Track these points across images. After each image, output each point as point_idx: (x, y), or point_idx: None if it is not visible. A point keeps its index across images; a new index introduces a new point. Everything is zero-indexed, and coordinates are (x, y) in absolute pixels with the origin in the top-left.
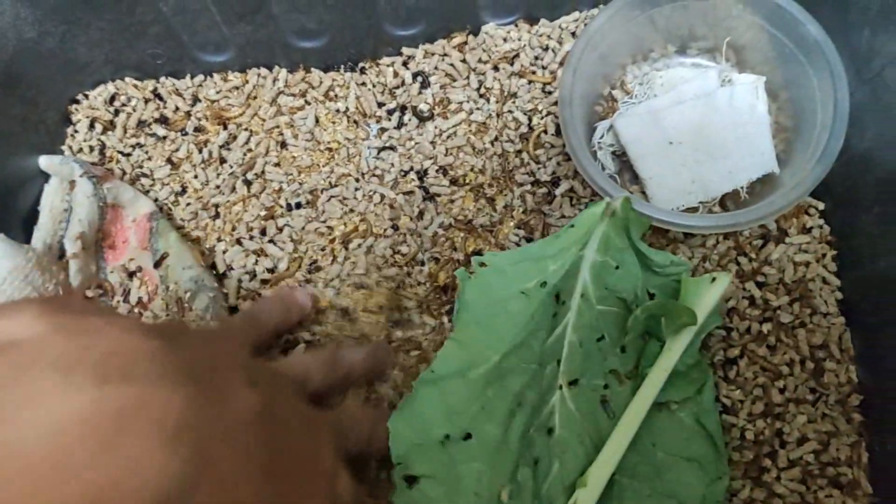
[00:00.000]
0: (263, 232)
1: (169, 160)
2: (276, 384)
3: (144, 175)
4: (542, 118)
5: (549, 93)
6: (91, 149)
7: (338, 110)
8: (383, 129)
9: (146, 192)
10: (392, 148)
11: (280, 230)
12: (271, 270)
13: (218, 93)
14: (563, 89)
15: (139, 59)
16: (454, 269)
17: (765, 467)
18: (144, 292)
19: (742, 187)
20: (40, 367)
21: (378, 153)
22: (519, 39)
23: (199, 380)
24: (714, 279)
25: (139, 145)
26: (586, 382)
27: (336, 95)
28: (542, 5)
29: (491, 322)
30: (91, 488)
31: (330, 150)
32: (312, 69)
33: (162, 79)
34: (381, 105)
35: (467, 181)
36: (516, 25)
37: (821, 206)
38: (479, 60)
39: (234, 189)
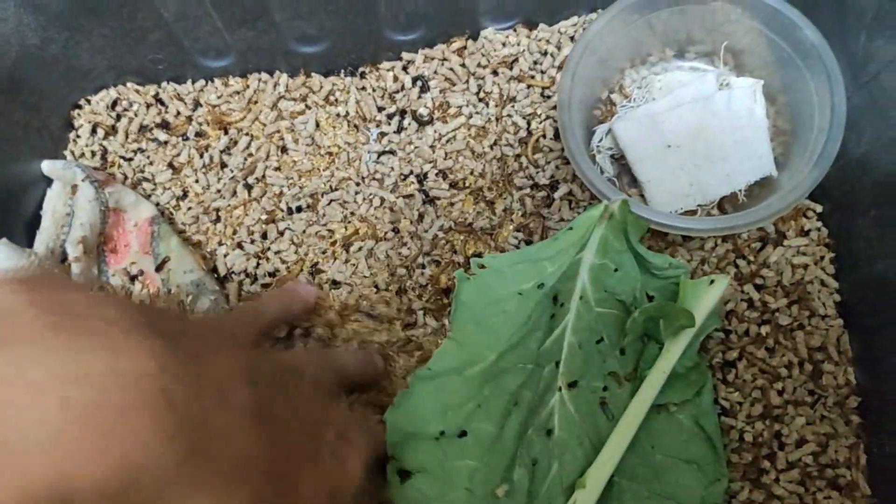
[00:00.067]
0: (264, 235)
1: (170, 165)
2: (278, 381)
3: (146, 179)
4: (540, 122)
5: (548, 97)
6: (93, 153)
7: (338, 115)
8: (383, 134)
9: (148, 197)
10: (392, 152)
11: (281, 234)
12: (272, 274)
13: (219, 98)
14: (562, 93)
15: (141, 64)
16: (455, 272)
17: (764, 469)
18: (146, 295)
19: (740, 190)
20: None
21: (378, 157)
22: (518, 44)
23: (197, 376)
24: (712, 281)
25: (141, 150)
26: (585, 384)
27: (336, 100)
28: (540, 10)
29: (488, 322)
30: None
31: (330, 154)
32: (313, 74)
33: (163, 84)
34: (381, 109)
35: (467, 185)
36: (515, 30)
37: (819, 208)
38: (479, 65)
39: (234, 193)
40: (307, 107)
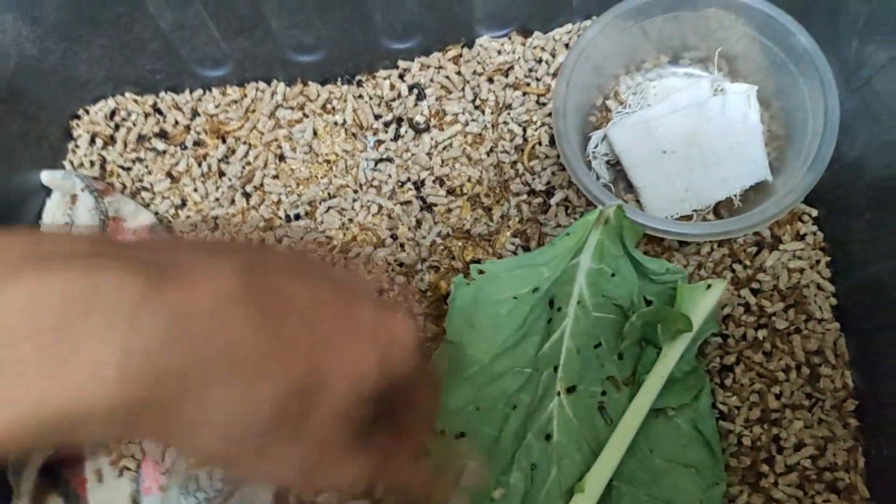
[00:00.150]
0: (263, 243)
1: (169, 174)
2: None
3: (145, 189)
4: (536, 129)
5: (544, 104)
6: (92, 163)
7: (335, 123)
8: (380, 141)
9: (147, 206)
10: (389, 159)
11: (279, 241)
12: None
13: (217, 107)
14: (557, 100)
15: (139, 74)
16: (454, 278)
17: (762, 473)
18: None
19: (735, 195)
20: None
21: (375, 165)
22: (513, 52)
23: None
24: (709, 286)
25: (139, 159)
26: (584, 389)
27: (334, 108)
28: (535, 18)
29: (482, 325)
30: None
31: (328, 161)
32: (310, 82)
33: (161, 94)
34: (377, 117)
35: (464, 191)
36: (510, 38)
37: (814, 212)
38: (474, 73)
39: (233, 201)
40: (305, 115)
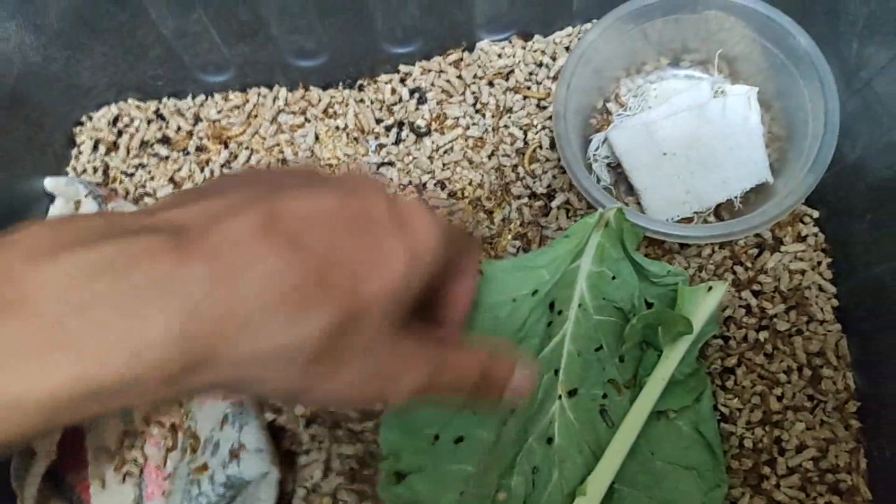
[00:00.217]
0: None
1: (171, 179)
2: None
3: (148, 194)
4: (536, 133)
5: (544, 107)
6: (95, 169)
7: (337, 127)
8: (382, 145)
9: None
10: (391, 163)
11: None
12: None
13: (219, 112)
14: (557, 103)
15: (141, 80)
16: None
17: (764, 475)
18: None
19: (736, 197)
20: None
21: (377, 168)
22: (513, 55)
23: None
24: (710, 288)
25: (142, 165)
26: (585, 392)
27: (335, 113)
28: (535, 21)
29: (479, 327)
30: None
31: (330, 166)
32: (312, 87)
33: (164, 99)
34: (379, 121)
35: (465, 194)
36: (510, 42)
37: (815, 214)
38: (475, 76)
39: None
40: (306, 120)
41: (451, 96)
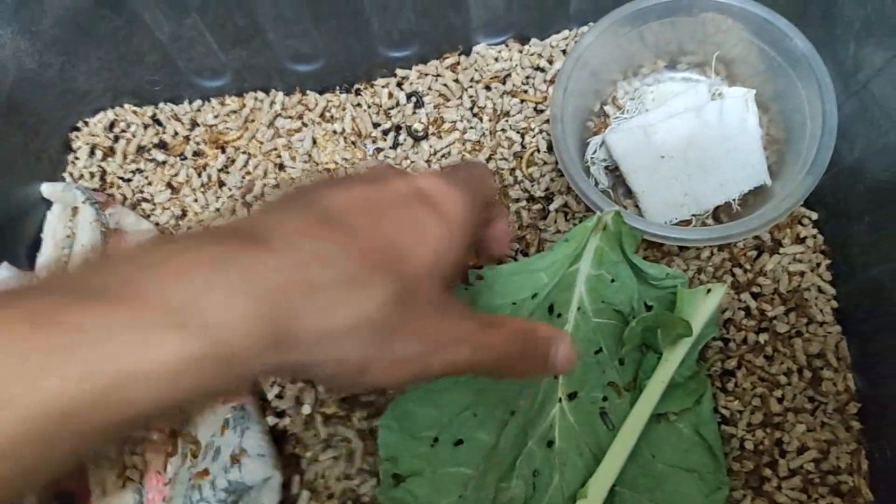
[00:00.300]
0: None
1: (169, 185)
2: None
3: (145, 200)
4: (534, 136)
5: (541, 111)
6: (92, 175)
7: (334, 131)
8: (379, 149)
9: (147, 217)
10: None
11: None
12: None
13: (216, 117)
14: (555, 107)
15: (137, 85)
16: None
17: (765, 477)
18: None
19: (734, 199)
20: None
21: None
22: (510, 59)
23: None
24: (709, 290)
25: (139, 171)
26: (585, 395)
27: (332, 117)
28: (532, 25)
29: None
30: None
31: (328, 170)
32: (308, 92)
33: (160, 104)
34: (376, 125)
35: None
36: (507, 45)
37: (814, 216)
38: (472, 80)
39: (233, 211)
40: (304, 124)
41: (448, 100)
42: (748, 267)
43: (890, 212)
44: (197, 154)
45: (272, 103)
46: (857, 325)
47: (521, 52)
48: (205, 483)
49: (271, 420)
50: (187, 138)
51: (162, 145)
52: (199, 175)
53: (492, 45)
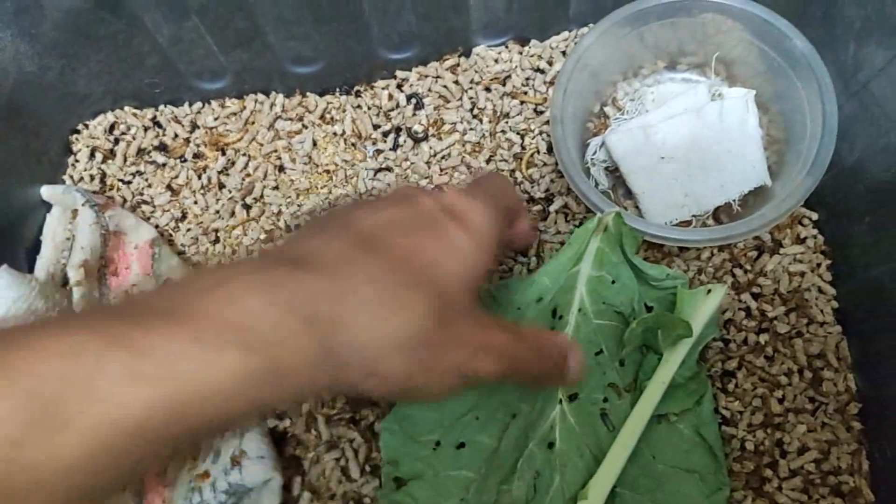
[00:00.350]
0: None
1: (169, 187)
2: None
3: (145, 202)
4: (534, 137)
5: (541, 112)
6: (92, 178)
7: (334, 133)
8: (379, 151)
9: (147, 219)
10: (388, 169)
11: None
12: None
13: (216, 119)
14: (554, 108)
15: (137, 88)
16: None
17: (766, 477)
18: None
19: (734, 200)
20: None
21: (375, 174)
22: (510, 61)
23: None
24: (709, 291)
25: (139, 173)
26: (586, 396)
27: (333, 119)
28: (532, 26)
29: None
30: None
31: (328, 172)
32: (309, 94)
33: (160, 107)
34: (376, 127)
35: None
36: (507, 47)
37: (815, 216)
38: (472, 82)
39: (233, 213)
40: (304, 126)
41: (448, 102)
42: (748, 267)
43: (890, 212)
44: (197, 156)
45: (272, 105)
46: (858, 326)
47: (520, 53)
48: (205, 485)
49: (271, 422)
50: (187, 140)
51: (162, 147)
52: (200, 177)
53: (492, 47)
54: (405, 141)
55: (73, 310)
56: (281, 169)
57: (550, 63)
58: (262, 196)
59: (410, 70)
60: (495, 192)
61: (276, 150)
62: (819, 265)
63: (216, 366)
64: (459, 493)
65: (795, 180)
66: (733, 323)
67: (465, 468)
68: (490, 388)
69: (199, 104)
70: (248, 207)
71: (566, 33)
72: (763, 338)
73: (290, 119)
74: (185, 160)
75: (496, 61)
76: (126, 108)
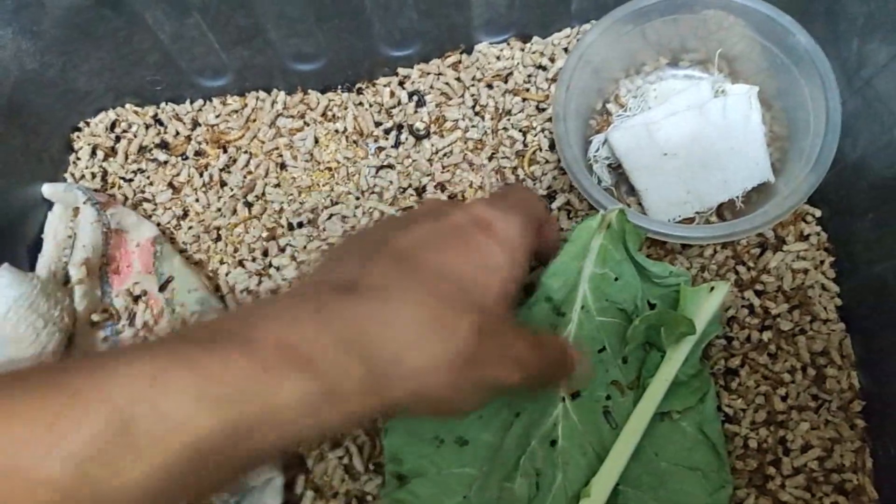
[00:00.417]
0: (265, 253)
1: (170, 184)
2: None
3: (146, 200)
4: (536, 135)
5: (543, 109)
6: (93, 175)
7: (336, 130)
8: (381, 148)
9: (149, 217)
10: (390, 166)
11: (282, 250)
12: (274, 291)
13: (217, 117)
14: (557, 105)
15: (139, 85)
16: None
17: (769, 475)
18: (150, 315)
19: (737, 197)
20: None
21: (377, 171)
22: (512, 58)
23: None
24: (712, 288)
25: (141, 171)
26: (588, 394)
27: (334, 116)
28: (534, 23)
29: None
30: None
31: (329, 169)
32: (310, 91)
33: (162, 104)
34: (378, 124)
35: (465, 197)
36: (509, 44)
37: (818, 213)
38: (474, 79)
39: (235, 211)
40: (305, 123)
41: (449, 99)
42: (751, 265)
43: (894, 208)
44: (198, 154)
45: (274, 103)
46: (861, 323)
47: (523, 50)
48: None
49: None
50: (189, 138)
51: (163, 145)
52: (201, 175)
53: (494, 44)
54: (407, 138)
55: (75, 308)
56: (282, 166)
57: (552, 60)
58: (263, 194)
59: (412, 67)
60: (523, 203)
61: (277, 148)
62: (822, 262)
63: (280, 390)
64: (462, 491)
65: (798, 177)
66: (736, 320)
67: (467, 466)
68: None
69: (200, 101)
70: (249, 205)
71: (568, 30)
72: (766, 335)
73: (292, 116)
74: (187, 158)
75: (498, 58)
76: (127, 106)
